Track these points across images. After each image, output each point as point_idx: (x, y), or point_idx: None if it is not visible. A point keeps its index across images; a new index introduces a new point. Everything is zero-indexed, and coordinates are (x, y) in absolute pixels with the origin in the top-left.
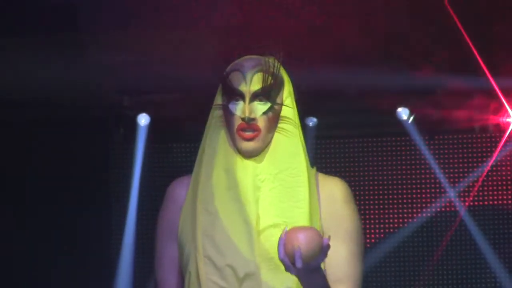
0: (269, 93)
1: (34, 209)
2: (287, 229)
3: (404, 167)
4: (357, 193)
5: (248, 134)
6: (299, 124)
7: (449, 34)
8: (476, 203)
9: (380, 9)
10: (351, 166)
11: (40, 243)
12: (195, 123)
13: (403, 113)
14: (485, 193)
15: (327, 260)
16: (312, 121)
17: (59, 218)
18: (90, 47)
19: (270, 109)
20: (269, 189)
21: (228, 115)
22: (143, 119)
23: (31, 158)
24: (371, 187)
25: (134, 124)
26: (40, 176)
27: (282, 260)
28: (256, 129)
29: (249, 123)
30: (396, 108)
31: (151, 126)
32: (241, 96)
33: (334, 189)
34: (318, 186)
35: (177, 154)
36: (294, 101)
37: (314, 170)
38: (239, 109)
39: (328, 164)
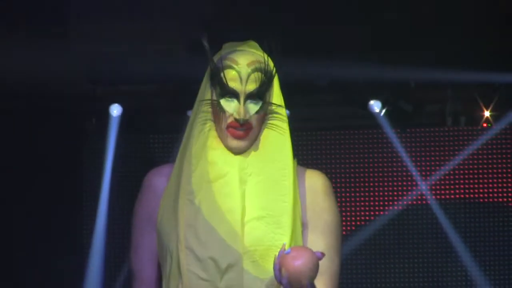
0: (263, 92)
1: (4, 200)
2: (283, 251)
3: (376, 159)
4: None
5: (240, 132)
6: (287, 118)
7: (424, 26)
8: (447, 196)
9: (356, 1)
10: (322, 159)
11: (12, 233)
12: (167, 114)
13: (375, 105)
14: (456, 186)
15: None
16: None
17: (30, 209)
18: (64, 37)
19: (261, 107)
20: (255, 182)
21: (218, 111)
22: (115, 110)
23: (3, 150)
24: (342, 180)
25: (106, 115)
26: (10, 166)
27: (282, 283)
28: (248, 128)
29: (242, 124)
30: (369, 101)
31: (123, 117)
32: (235, 94)
33: (316, 182)
34: (300, 178)
35: (149, 145)
36: (281, 94)
37: (295, 162)
38: (233, 109)
39: (299, 156)
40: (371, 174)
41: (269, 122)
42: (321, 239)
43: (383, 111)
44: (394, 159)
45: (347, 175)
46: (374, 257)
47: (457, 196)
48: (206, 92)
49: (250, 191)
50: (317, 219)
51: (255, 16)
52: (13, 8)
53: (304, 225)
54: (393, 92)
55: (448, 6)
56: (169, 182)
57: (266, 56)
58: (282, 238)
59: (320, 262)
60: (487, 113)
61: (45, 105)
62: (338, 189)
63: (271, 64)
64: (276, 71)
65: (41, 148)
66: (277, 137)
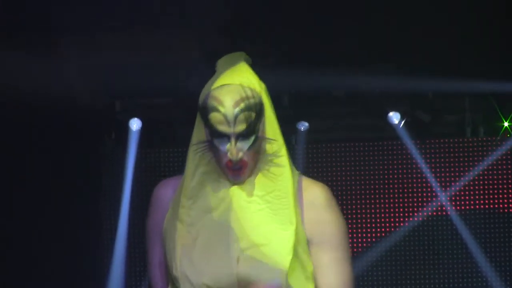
0: (253, 128)
1: (28, 216)
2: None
3: (395, 171)
4: (348, 197)
5: (236, 171)
6: (282, 139)
7: (440, 36)
8: (467, 207)
9: (372, 12)
10: (342, 170)
11: (34, 246)
12: (186, 128)
13: (393, 116)
14: (476, 197)
15: (314, 269)
16: (303, 126)
17: (51, 223)
18: (83, 51)
19: (254, 141)
20: (256, 210)
21: (214, 150)
22: (135, 124)
23: (24, 163)
24: (362, 191)
25: (126, 129)
26: (32, 179)
27: None
28: (244, 164)
29: (236, 162)
30: (387, 112)
31: (143, 131)
32: (225, 135)
33: (316, 196)
34: (301, 191)
35: (168, 158)
36: (274, 115)
37: (297, 174)
38: (226, 148)
39: (319, 168)
40: (391, 186)
41: (266, 149)
42: (327, 254)
43: (402, 122)
44: (413, 170)
45: (366, 187)
46: (394, 269)
47: (477, 206)
48: (200, 128)
49: (249, 219)
50: (320, 235)
51: (272, 27)
52: (32, 20)
53: (309, 242)
54: (411, 103)
55: (465, 17)
56: (175, 195)
57: (251, 82)
58: (279, 263)
59: (330, 277)
60: (506, 123)
61: (65, 120)
62: (358, 201)
63: (257, 91)
64: (264, 90)
65: (60, 163)
66: (277, 166)
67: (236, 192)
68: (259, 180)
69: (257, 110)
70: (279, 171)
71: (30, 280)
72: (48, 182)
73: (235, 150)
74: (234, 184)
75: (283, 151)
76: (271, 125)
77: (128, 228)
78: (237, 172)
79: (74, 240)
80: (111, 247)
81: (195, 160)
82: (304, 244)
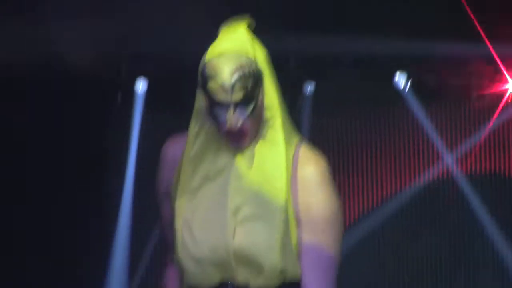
0: (251, 96)
1: (32, 177)
2: None
3: (401, 134)
4: (355, 161)
5: (236, 138)
6: (280, 107)
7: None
8: (473, 170)
9: None
10: (348, 134)
11: (39, 207)
12: (193, 91)
13: (400, 80)
14: (483, 160)
15: (301, 248)
16: (309, 88)
17: (54, 192)
18: (89, 13)
19: (254, 108)
20: (253, 180)
21: (214, 118)
22: (141, 86)
23: (29, 127)
24: (368, 154)
25: (131, 91)
26: (38, 143)
27: None
28: (243, 132)
29: (236, 130)
30: (394, 76)
31: (149, 93)
32: (224, 104)
33: (309, 173)
34: (296, 164)
35: (174, 121)
36: (273, 83)
37: (295, 143)
38: (224, 117)
39: (324, 132)
40: (396, 148)
41: (264, 118)
42: (311, 236)
43: (408, 86)
44: (419, 134)
45: (373, 150)
46: (400, 233)
47: (483, 170)
48: (201, 96)
49: (246, 188)
50: (308, 216)
51: None
52: None
53: (298, 223)
54: (418, 67)
55: None
56: (179, 161)
57: (253, 52)
58: (272, 237)
59: (311, 259)
60: None
61: (71, 83)
62: (363, 164)
63: (255, 59)
64: (262, 54)
65: (66, 126)
66: (271, 135)
67: (235, 161)
68: (259, 148)
69: (255, 78)
70: (275, 139)
71: (29, 249)
72: (53, 144)
73: (234, 118)
74: (234, 152)
75: (279, 119)
76: (269, 93)
77: (134, 189)
78: (237, 139)
79: (78, 209)
80: (116, 214)
81: (196, 127)
82: (292, 220)
